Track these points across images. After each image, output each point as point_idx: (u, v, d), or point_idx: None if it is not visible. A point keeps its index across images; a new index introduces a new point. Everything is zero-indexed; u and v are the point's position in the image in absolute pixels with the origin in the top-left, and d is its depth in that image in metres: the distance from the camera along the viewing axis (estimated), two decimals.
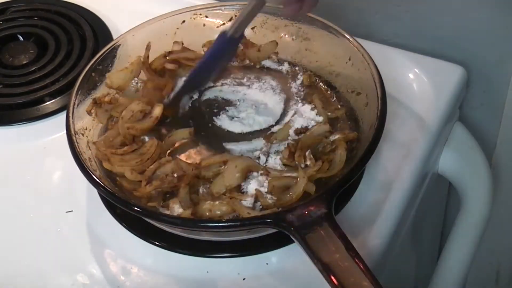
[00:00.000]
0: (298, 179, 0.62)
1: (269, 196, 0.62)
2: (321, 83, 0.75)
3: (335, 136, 0.66)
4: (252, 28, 0.78)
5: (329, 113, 0.70)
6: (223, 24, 0.79)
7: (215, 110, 0.73)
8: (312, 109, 0.71)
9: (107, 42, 0.76)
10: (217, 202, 0.61)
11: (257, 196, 0.62)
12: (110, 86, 0.72)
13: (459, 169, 0.80)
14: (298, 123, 0.70)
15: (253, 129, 0.70)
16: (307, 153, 0.64)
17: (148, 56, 0.74)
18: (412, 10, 0.83)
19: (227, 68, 0.76)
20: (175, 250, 0.63)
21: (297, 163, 0.64)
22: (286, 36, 0.78)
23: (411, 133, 0.72)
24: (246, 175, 0.64)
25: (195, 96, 0.75)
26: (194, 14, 0.78)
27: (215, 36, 0.78)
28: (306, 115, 0.71)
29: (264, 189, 0.63)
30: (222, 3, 0.80)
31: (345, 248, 0.53)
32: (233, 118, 0.72)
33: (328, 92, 0.74)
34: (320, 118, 0.70)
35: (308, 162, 0.64)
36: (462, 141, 0.81)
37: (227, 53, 0.71)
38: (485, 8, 0.78)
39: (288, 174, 0.63)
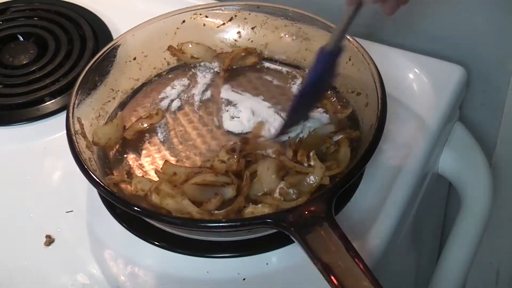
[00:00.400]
0: (315, 169, 0.62)
1: (291, 191, 0.62)
2: None
3: (339, 136, 0.66)
4: (252, 28, 0.78)
5: (338, 115, 0.70)
6: (223, 24, 0.79)
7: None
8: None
9: (107, 42, 0.76)
10: (259, 206, 0.61)
11: (282, 194, 0.63)
12: (97, 143, 0.67)
13: (459, 169, 0.80)
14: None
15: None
16: (311, 154, 0.65)
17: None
18: (412, 10, 0.83)
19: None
20: (175, 250, 0.63)
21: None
22: (286, 36, 0.78)
23: (411, 133, 0.72)
24: (281, 176, 0.64)
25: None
26: (194, 14, 0.78)
27: (215, 36, 0.79)
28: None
29: (281, 185, 0.63)
30: (222, 3, 0.80)
31: (345, 248, 0.53)
32: (233, 118, 0.72)
33: (328, 92, 0.74)
34: (324, 118, 0.70)
35: (312, 163, 0.64)
36: (462, 141, 0.81)
37: (331, 70, 0.65)
38: (485, 9, 0.78)
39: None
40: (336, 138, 0.66)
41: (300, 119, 0.69)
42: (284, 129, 0.68)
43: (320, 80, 0.64)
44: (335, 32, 0.62)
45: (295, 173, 0.64)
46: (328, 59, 0.63)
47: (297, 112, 0.67)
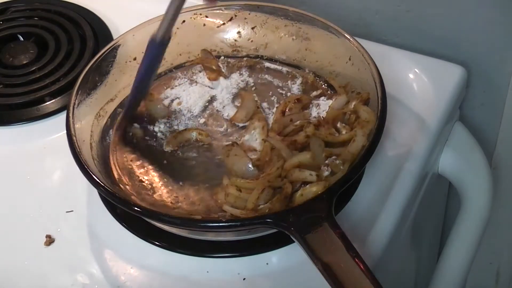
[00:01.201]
0: (356, 136, 0.63)
1: (337, 161, 0.63)
2: (321, 83, 0.75)
3: (352, 104, 0.68)
4: (252, 28, 0.78)
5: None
6: (223, 24, 0.79)
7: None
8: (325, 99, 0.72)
9: (107, 42, 0.76)
10: (307, 187, 0.61)
11: (330, 165, 0.63)
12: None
13: (459, 169, 0.80)
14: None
15: None
16: (338, 124, 0.67)
17: None
18: (412, 10, 0.83)
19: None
20: (175, 250, 0.63)
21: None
22: (286, 36, 0.78)
23: (411, 133, 0.72)
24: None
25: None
26: (194, 14, 0.78)
27: (215, 36, 0.79)
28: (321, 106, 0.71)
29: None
30: (222, 3, 0.80)
31: (345, 248, 0.53)
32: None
33: (328, 92, 0.74)
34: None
35: (344, 131, 0.66)
36: (462, 141, 0.81)
37: (160, 59, 0.69)
38: (485, 8, 0.78)
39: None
40: (351, 105, 0.67)
41: (137, 105, 0.72)
42: (125, 116, 0.71)
43: (152, 70, 0.68)
44: (163, 22, 0.64)
45: (337, 144, 0.65)
46: (157, 50, 0.66)
47: (135, 98, 0.70)
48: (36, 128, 0.77)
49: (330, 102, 0.71)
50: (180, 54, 0.79)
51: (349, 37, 0.71)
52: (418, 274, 0.94)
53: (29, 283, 0.62)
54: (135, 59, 0.76)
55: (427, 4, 0.82)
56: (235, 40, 0.79)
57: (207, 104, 0.75)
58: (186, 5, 0.78)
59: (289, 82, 0.76)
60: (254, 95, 0.74)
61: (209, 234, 0.63)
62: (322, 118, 0.69)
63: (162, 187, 0.67)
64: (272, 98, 0.74)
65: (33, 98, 0.79)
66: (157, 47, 0.66)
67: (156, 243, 0.64)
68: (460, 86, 0.78)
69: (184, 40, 0.78)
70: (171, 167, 0.69)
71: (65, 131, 0.65)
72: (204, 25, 0.79)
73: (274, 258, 0.62)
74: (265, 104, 0.74)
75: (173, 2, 0.62)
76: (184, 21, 0.78)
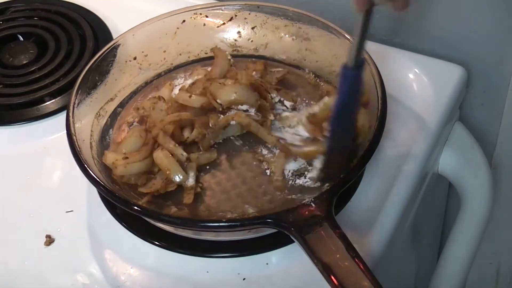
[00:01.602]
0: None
1: None
2: (321, 83, 0.75)
3: None
4: (252, 28, 0.78)
5: None
6: (223, 24, 0.79)
7: None
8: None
9: (107, 42, 0.76)
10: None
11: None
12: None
13: (459, 169, 0.80)
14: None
15: None
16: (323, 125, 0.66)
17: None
18: (412, 10, 0.82)
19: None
20: (175, 250, 0.63)
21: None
22: (286, 36, 0.78)
23: (411, 133, 0.72)
24: None
25: None
26: (194, 14, 0.78)
27: (215, 36, 0.79)
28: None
29: None
30: (222, 3, 0.80)
31: (345, 248, 0.53)
32: None
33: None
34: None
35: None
36: (462, 141, 0.81)
37: (357, 86, 0.60)
38: (485, 9, 0.78)
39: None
40: None
41: (342, 145, 0.62)
42: (329, 160, 0.63)
43: (349, 99, 0.60)
44: (353, 45, 0.58)
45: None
46: (352, 75, 0.58)
47: (336, 138, 0.62)
48: (36, 128, 0.77)
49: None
50: (180, 54, 0.79)
51: (349, 37, 0.71)
52: (418, 274, 0.94)
53: (29, 283, 0.62)
54: (135, 58, 0.76)
55: (427, 4, 0.82)
56: (235, 40, 0.79)
57: None
58: (186, 5, 0.78)
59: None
60: (227, 52, 0.75)
61: (209, 234, 0.63)
62: (312, 115, 0.69)
63: None
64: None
65: (33, 98, 0.79)
66: (351, 73, 0.58)
67: (156, 243, 0.64)
68: (460, 86, 0.78)
69: (184, 40, 0.78)
70: None
71: (65, 131, 0.65)
72: (204, 25, 0.79)
73: (274, 258, 0.62)
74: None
75: (357, 22, 0.56)
76: (184, 21, 0.78)
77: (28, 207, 0.68)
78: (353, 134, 0.63)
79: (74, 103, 0.68)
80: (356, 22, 0.56)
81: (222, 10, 0.79)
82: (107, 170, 0.66)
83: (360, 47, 0.57)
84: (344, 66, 0.58)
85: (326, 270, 0.52)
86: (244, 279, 0.61)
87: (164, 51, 0.78)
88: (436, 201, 0.95)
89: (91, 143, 0.68)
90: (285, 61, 0.78)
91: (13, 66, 0.84)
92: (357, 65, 0.58)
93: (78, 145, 0.64)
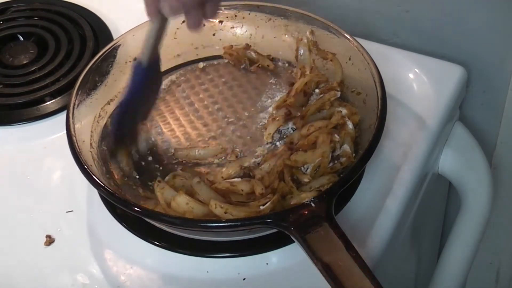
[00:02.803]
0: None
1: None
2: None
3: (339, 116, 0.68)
4: (252, 28, 0.78)
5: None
6: (221, 22, 0.79)
7: None
8: None
9: (107, 42, 0.76)
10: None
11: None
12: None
13: (459, 169, 0.80)
14: None
15: None
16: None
17: None
18: (412, 10, 0.83)
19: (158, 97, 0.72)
20: (175, 250, 0.63)
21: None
22: (286, 36, 0.78)
23: (411, 133, 0.72)
24: None
25: None
26: None
27: (215, 36, 0.79)
28: None
29: None
30: (222, 3, 0.79)
31: (345, 248, 0.53)
32: None
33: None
34: None
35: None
36: (462, 141, 0.81)
37: (151, 82, 0.67)
38: (485, 8, 0.78)
39: None
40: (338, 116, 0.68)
41: (128, 131, 0.68)
42: (113, 141, 0.67)
43: (139, 93, 0.65)
44: (147, 46, 0.63)
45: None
46: (143, 72, 0.64)
47: (122, 124, 0.67)
48: (36, 128, 0.77)
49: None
50: (179, 55, 0.79)
51: (349, 37, 0.71)
52: (418, 274, 0.94)
53: (29, 283, 0.62)
54: (135, 59, 0.76)
55: (427, 4, 0.82)
56: (235, 40, 0.79)
57: None
58: None
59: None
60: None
61: (209, 234, 0.63)
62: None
63: None
64: (272, 97, 0.75)
65: (33, 98, 0.79)
66: (144, 71, 0.64)
67: (156, 243, 0.64)
68: (460, 86, 0.78)
69: (184, 40, 0.78)
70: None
71: (65, 131, 0.65)
72: (204, 25, 0.79)
73: (274, 258, 0.62)
74: (264, 100, 0.74)
75: (153, 25, 0.61)
76: (184, 21, 0.78)
77: (28, 207, 0.68)
78: (136, 129, 0.68)
79: (74, 104, 0.68)
80: (151, 27, 0.61)
81: (222, 10, 0.79)
82: (107, 170, 0.66)
83: (154, 49, 0.63)
84: (138, 63, 0.64)
85: (326, 270, 0.52)
86: (244, 279, 0.61)
87: (164, 51, 0.78)
88: (436, 201, 0.95)
89: (91, 143, 0.68)
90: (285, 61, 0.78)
91: (13, 66, 0.84)
92: (150, 65, 0.63)
93: (78, 145, 0.64)
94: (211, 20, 0.78)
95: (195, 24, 0.61)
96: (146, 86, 0.66)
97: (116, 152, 0.67)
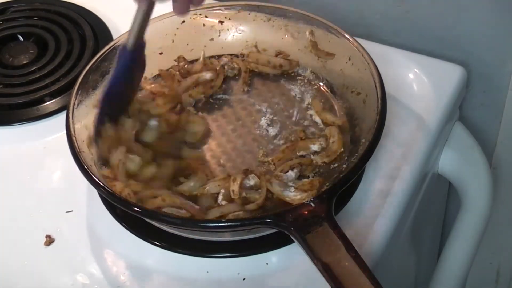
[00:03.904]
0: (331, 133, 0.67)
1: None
2: (321, 83, 0.75)
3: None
4: (253, 28, 0.78)
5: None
6: (221, 22, 0.79)
7: None
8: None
9: (107, 42, 0.76)
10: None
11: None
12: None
13: (459, 169, 0.80)
14: None
15: None
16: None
17: None
18: (412, 10, 0.83)
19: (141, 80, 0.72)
20: (175, 250, 0.63)
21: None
22: (287, 36, 0.77)
23: (411, 133, 0.72)
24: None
25: None
26: (194, 14, 0.78)
27: (216, 36, 0.79)
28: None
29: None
30: (222, 3, 0.80)
31: (345, 248, 0.53)
32: None
33: (328, 92, 0.74)
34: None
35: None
36: (462, 141, 0.81)
37: (136, 65, 0.68)
38: (485, 9, 0.78)
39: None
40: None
41: (110, 113, 0.67)
42: (98, 121, 0.66)
43: (123, 77, 0.66)
44: (132, 30, 0.63)
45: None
46: (128, 57, 0.65)
47: (106, 109, 0.66)
48: (36, 128, 0.77)
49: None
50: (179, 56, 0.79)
51: (349, 37, 0.71)
52: (418, 274, 0.94)
53: (29, 283, 0.62)
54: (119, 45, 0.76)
55: (427, 4, 0.82)
56: (235, 40, 0.79)
57: None
58: None
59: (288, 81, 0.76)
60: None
61: (209, 234, 0.63)
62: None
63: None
64: (273, 99, 0.75)
65: (33, 98, 0.79)
66: (129, 54, 0.65)
67: (156, 243, 0.64)
68: (460, 86, 0.78)
69: (184, 40, 0.78)
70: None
71: (65, 131, 0.65)
72: (204, 25, 0.79)
73: (274, 258, 0.62)
74: (265, 105, 0.74)
75: (139, 9, 0.62)
76: (184, 21, 0.78)
77: (28, 207, 0.68)
78: (121, 111, 0.68)
79: (74, 104, 0.68)
80: (137, 11, 0.62)
81: (222, 10, 0.79)
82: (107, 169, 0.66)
83: (139, 33, 0.64)
84: (123, 47, 0.65)
85: (326, 270, 0.52)
86: (244, 279, 0.61)
87: (161, 53, 0.78)
88: (436, 201, 0.95)
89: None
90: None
91: (13, 66, 0.84)
92: (135, 49, 0.64)
93: (78, 146, 0.64)
94: (210, 19, 0.79)
95: (181, 9, 0.63)
96: (130, 70, 0.67)
97: (99, 135, 0.67)
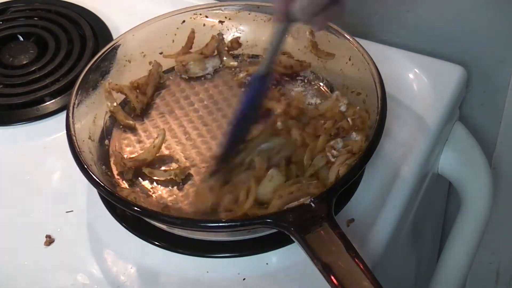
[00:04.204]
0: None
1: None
2: (321, 83, 0.75)
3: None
4: (253, 28, 0.78)
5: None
6: (221, 22, 0.79)
7: None
8: None
9: (107, 42, 0.76)
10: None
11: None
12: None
13: (459, 169, 0.80)
14: None
15: None
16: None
17: None
18: (412, 10, 0.83)
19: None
20: (175, 250, 0.63)
21: None
22: (286, 36, 0.77)
23: (411, 133, 0.72)
24: None
25: None
26: (194, 14, 0.78)
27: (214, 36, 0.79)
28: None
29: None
30: (222, 3, 0.80)
31: (345, 248, 0.53)
32: None
33: (328, 92, 0.74)
34: None
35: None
36: (462, 141, 0.81)
37: (264, 92, 0.66)
38: (485, 8, 0.78)
39: None
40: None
41: (238, 142, 0.66)
42: (224, 154, 0.66)
43: (256, 103, 0.65)
44: (267, 55, 0.62)
45: None
46: (262, 82, 0.64)
47: (235, 134, 0.66)
48: (36, 128, 0.77)
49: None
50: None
51: (349, 37, 0.71)
52: (418, 274, 0.94)
53: (29, 283, 0.62)
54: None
55: (427, 4, 0.82)
56: (235, 40, 0.79)
57: None
58: (186, 5, 0.78)
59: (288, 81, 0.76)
60: None
61: (209, 234, 0.63)
62: None
63: (161, 187, 0.67)
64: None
65: (33, 98, 0.79)
66: (261, 80, 0.64)
67: (156, 243, 0.64)
68: (460, 86, 0.78)
69: (184, 40, 0.78)
70: None
71: (65, 131, 0.65)
72: (204, 25, 0.79)
73: (274, 258, 0.62)
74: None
75: (278, 29, 0.60)
76: (184, 21, 0.78)
77: (28, 207, 0.68)
78: (246, 134, 0.66)
79: (74, 104, 0.68)
80: (274, 34, 0.60)
81: (222, 10, 0.79)
82: (107, 169, 0.66)
83: (273, 57, 0.62)
84: (257, 73, 0.63)
85: (326, 270, 0.52)
86: (244, 279, 0.61)
87: (161, 53, 0.78)
88: (436, 201, 0.95)
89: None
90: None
91: (13, 66, 0.84)
92: (267, 73, 0.63)
93: (78, 145, 0.64)
94: (210, 19, 0.79)
95: (321, 27, 0.63)
96: (263, 93, 0.66)
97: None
